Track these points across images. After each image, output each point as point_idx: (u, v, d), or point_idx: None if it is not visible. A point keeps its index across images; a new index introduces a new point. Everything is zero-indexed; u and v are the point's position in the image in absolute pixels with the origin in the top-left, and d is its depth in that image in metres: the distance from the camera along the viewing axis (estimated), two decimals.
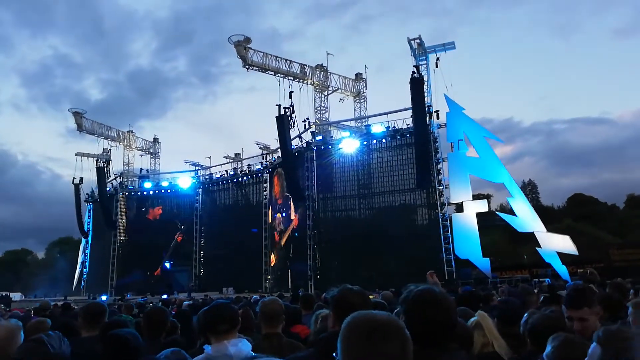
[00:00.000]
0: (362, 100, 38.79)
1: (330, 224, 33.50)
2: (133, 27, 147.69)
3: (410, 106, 29.20)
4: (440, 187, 29.24)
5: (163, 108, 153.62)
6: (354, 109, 38.82)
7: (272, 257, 37.84)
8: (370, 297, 6.08)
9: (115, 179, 46.70)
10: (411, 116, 29.91)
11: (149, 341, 3.58)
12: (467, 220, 27.28)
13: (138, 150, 49.44)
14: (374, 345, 1.30)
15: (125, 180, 47.08)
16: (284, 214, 37.19)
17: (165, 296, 25.88)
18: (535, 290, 7.15)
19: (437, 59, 30.01)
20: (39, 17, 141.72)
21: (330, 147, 33.85)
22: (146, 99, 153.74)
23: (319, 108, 36.85)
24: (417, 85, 28.31)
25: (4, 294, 36.77)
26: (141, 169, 47.97)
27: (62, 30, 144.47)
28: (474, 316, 3.16)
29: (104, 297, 30.44)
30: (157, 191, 45.37)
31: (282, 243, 36.85)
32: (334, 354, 1.37)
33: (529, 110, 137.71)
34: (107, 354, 2.62)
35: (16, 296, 39.52)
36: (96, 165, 43.60)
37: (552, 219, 42.04)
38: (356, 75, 39.23)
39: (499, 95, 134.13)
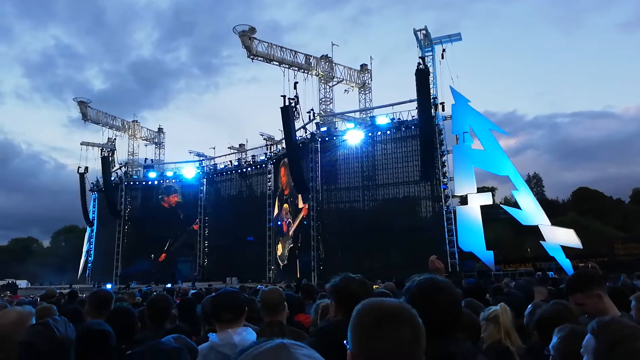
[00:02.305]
0: (367, 92, 38.61)
1: (334, 216, 33.53)
2: (134, 17, 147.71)
3: (416, 98, 29.06)
4: (445, 180, 29.16)
5: (165, 99, 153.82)
6: (359, 100, 38.69)
7: (279, 246, 37.92)
8: (375, 287, 6.09)
9: (120, 168, 46.86)
10: (416, 108, 29.76)
11: (153, 328, 3.59)
12: (472, 212, 27.24)
13: (143, 140, 49.57)
14: (385, 331, 1.28)
15: (130, 170, 47.24)
16: (291, 205, 37.26)
17: (169, 285, 26.06)
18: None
19: (443, 50, 29.79)
20: (40, 7, 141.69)
21: (334, 138, 33.77)
22: (148, 90, 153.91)
23: (323, 99, 36.73)
24: (422, 76, 28.11)
25: (10, 282, 37.21)
26: (146, 158, 48.13)
27: (63, 21, 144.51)
28: (483, 307, 3.15)
29: (108, 286, 30.69)
30: (161, 181, 45.54)
31: (291, 233, 36.92)
32: (344, 342, 1.35)
33: (531, 104, 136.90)
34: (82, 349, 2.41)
35: (22, 284, 39.96)
36: (101, 154, 43.67)
37: (557, 213, 41.90)
38: (361, 66, 39.01)
39: (501, 89, 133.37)
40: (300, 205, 35.59)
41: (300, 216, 35.45)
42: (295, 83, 32.71)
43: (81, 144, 45.88)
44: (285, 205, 37.86)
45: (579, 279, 2.92)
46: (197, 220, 43.48)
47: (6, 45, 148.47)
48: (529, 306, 3.09)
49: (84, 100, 44.93)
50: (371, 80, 38.82)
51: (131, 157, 48.14)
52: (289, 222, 37.15)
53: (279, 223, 38.60)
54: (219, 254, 41.54)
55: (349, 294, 2.35)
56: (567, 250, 25.50)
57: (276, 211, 38.97)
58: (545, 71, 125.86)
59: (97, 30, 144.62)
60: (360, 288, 2.43)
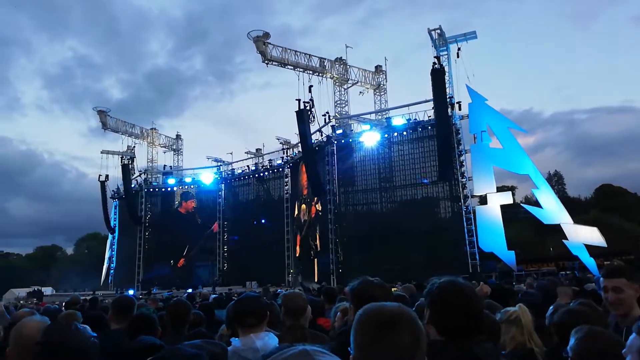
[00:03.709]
0: (382, 93, 38.48)
1: (351, 218, 33.40)
2: (148, 26, 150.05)
3: (432, 98, 28.84)
4: (463, 180, 28.85)
5: (181, 107, 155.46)
6: (374, 102, 38.60)
7: (297, 249, 37.98)
8: (393, 289, 6.05)
9: (139, 175, 47.58)
10: (432, 108, 29.52)
11: (173, 334, 3.64)
12: (492, 212, 26.87)
13: (161, 147, 50.27)
14: (384, 336, 1.28)
15: (150, 176, 47.93)
16: (308, 206, 37.28)
17: (190, 290, 26.31)
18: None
19: (459, 49, 29.50)
20: (56, 19, 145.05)
21: (350, 140, 33.69)
22: (165, 98, 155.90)
23: (338, 102, 36.73)
24: (438, 76, 27.88)
25: (36, 289, 38.10)
26: (164, 165, 48.79)
27: (79, 32, 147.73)
28: (501, 308, 3.10)
29: (130, 292, 31.09)
30: (180, 187, 46.08)
31: (302, 234, 36.95)
32: (349, 348, 1.36)
33: (548, 101, 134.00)
34: None
35: (47, 291, 40.83)
36: (121, 162, 44.45)
37: (579, 211, 41.02)
38: (376, 67, 38.91)
39: (517, 86, 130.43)
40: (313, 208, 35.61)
41: (309, 221, 35.36)
42: (310, 86, 32.72)
43: (101, 152, 46.80)
44: (303, 206, 37.82)
45: (626, 266, 2.79)
46: (216, 222, 43.81)
47: (26, 58, 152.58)
48: (551, 307, 3.02)
49: (104, 110, 45.80)
50: (386, 82, 38.70)
51: (150, 164, 48.86)
52: (304, 222, 37.20)
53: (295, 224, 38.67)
54: (238, 259, 41.79)
55: (368, 298, 2.34)
56: (591, 249, 24.96)
57: (296, 212, 38.95)
58: (561, 67, 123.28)
59: (113, 40, 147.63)
60: (379, 291, 2.43)
